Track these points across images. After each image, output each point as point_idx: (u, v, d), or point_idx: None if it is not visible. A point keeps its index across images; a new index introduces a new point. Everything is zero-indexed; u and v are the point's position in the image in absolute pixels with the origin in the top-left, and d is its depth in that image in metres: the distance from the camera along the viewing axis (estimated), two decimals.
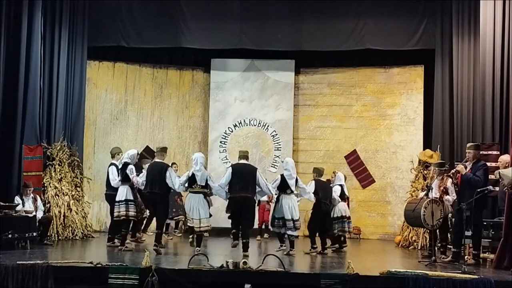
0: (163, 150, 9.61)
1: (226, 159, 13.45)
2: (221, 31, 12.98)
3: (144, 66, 13.73)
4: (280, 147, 13.57)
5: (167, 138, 13.70)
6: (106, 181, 10.21)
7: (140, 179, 9.39)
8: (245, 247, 8.85)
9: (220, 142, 13.61)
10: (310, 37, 12.93)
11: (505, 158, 9.04)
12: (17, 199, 9.90)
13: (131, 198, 9.55)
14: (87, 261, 7.28)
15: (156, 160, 9.48)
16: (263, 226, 12.18)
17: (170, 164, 10.76)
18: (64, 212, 11.09)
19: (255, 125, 13.72)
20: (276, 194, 9.50)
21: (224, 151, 13.55)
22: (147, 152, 12.97)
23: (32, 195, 10.16)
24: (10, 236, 8.87)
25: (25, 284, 6.86)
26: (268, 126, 13.67)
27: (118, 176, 9.81)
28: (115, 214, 9.62)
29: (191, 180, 8.95)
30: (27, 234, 9.22)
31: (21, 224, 9.19)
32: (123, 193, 9.56)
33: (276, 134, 13.62)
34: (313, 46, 13.06)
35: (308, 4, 12.88)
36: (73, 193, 11.46)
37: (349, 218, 10.47)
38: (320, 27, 12.89)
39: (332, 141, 13.64)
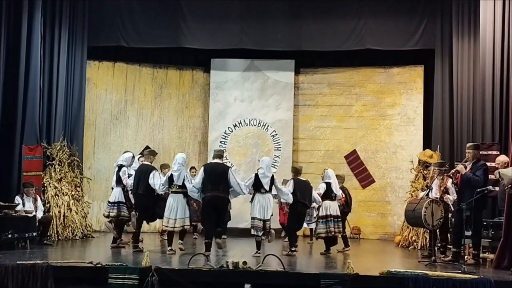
0: (151, 153, 9.85)
1: (226, 159, 13.43)
2: (221, 31, 12.98)
3: (144, 66, 13.73)
4: (280, 147, 13.57)
5: (167, 138, 13.71)
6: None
7: (129, 181, 9.61)
8: (207, 247, 8.67)
9: (220, 142, 13.61)
10: (310, 37, 12.94)
11: (502, 158, 9.06)
12: (17, 199, 9.90)
13: (123, 200, 9.68)
14: (87, 261, 7.28)
15: (144, 162, 9.70)
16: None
17: (189, 169, 10.85)
18: (64, 212, 11.09)
19: (255, 125, 13.72)
20: (251, 194, 9.32)
21: (224, 151, 13.51)
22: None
23: (32, 195, 10.17)
24: (10, 236, 8.87)
25: (25, 284, 6.86)
26: (268, 126, 13.67)
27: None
28: (105, 213, 9.83)
29: (170, 180, 9.13)
30: (27, 234, 9.23)
31: (21, 224, 9.19)
32: (116, 194, 9.73)
33: (276, 134, 13.62)
34: (313, 46, 13.06)
35: (308, 4, 12.88)
36: (73, 193, 11.47)
37: (337, 217, 9.86)
38: (320, 27, 12.89)
39: (332, 141, 13.64)
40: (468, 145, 9.06)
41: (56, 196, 11.14)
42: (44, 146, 11.22)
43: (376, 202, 13.25)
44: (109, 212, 9.74)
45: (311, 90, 13.80)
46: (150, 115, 13.66)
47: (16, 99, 10.71)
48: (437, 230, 9.27)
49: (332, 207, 9.86)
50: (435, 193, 9.14)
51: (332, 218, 9.81)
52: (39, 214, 10.15)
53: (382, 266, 7.68)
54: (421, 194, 9.93)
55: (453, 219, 9.20)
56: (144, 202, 9.39)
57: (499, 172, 8.19)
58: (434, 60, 12.44)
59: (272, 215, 9.38)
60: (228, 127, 13.68)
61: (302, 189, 9.51)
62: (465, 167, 8.68)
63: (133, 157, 10.14)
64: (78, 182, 11.74)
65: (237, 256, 8.49)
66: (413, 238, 11.27)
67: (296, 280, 7.10)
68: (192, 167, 11.78)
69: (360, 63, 13.68)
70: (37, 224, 9.76)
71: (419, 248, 10.97)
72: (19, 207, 9.61)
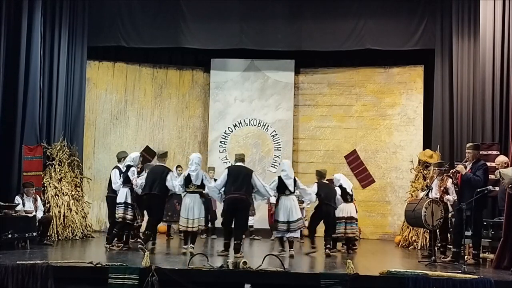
0: (164, 155, 9.78)
1: (226, 159, 13.44)
2: (221, 31, 12.98)
3: (144, 66, 13.73)
4: (280, 147, 13.57)
5: (167, 138, 13.71)
6: (108, 183, 10.23)
7: (139, 181, 9.47)
8: (237, 249, 8.80)
9: (220, 142, 13.62)
10: (310, 37, 12.93)
11: (501, 159, 9.07)
12: (17, 199, 9.90)
13: (130, 201, 9.54)
14: (87, 261, 7.29)
15: (158, 164, 9.63)
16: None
17: (176, 167, 10.82)
18: (64, 212, 11.09)
19: (255, 125, 13.72)
20: (275, 196, 9.50)
21: (224, 151, 13.55)
22: (147, 152, 12.97)
23: (32, 195, 10.17)
24: (10, 236, 8.87)
25: (25, 284, 6.86)
26: (268, 126, 13.67)
27: (120, 179, 9.79)
28: (117, 215, 9.58)
29: (187, 180, 9.09)
30: (27, 234, 9.23)
31: (21, 224, 9.19)
32: (123, 195, 9.56)
33: (276, 134, 13.62)
34: (313, 46, 13.06)
35: (308, 4, 12.88)
36: (73, 193, 11.46)
37: (350, 219, 10.10)
38: (320, 27, 12.89)
39: (332, 141, 13.64)
40: (468, 145, 9.06)
41: (56, 196, 11.14)
42: (44, 146, 11.22)
43: (376, 202, 13.25)
44: (117, 213, 9.54)
45: (311, 90, 13.81)
46: (150, 115, 13.66)
47: (16, 99, 10.71)
48: (437, 230, 9.27)
49: (345, 209, 10.07)
50: (435, 193, 9.14)
51: (345, 220, 10.05)
52: (39, 214, 10.15)
53: (382, 266, 7.68)
54: (421, 194, 9.94)
55: (453, 219, 9.20)
56: (158, 202, 9.34)
57: (499, 172, 8.19)
58: (434, 60, 12.44)
59: (300, 216, 9.48)
60: (228, 127, 13.68)
61: (326, 191, 9.73)
62: (465, 167, 8.68)
63: (141, 156, 10.09)
64: (78, 182, 11.74)
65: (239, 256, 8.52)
66: (413, 238, 11.27)
67: (296, 280, 7.10)
68: (178, 166, 11.69)
69: (360, 63, 13.67)
70: (37, 224, 9.75)
71: (419, 248, 10.97)
72: (19, 207, 9.61)
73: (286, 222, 9.21)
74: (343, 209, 10.06)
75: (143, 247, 8.86)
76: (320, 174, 10.03)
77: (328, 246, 9.60)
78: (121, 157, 10.31)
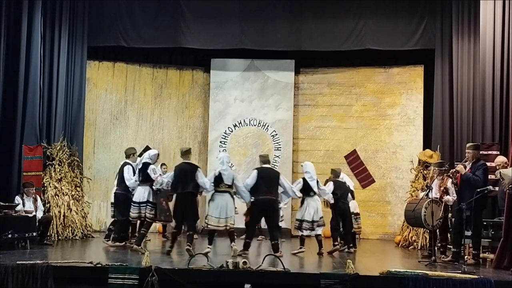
0: (188, 152, 9.56)
1: None
2: (221, 31, 12.97)
3: (144, 66, 13.72)
4: (280, 147, 13.57)
5: (167, 138, 13.71)
6: (118, 180, 10.02)
7: (165, 179, 9.29)
8: (276, 248, 9.01)
9: (220, 142, 13.61)
10: (310, 37, 12.93)
11: (500, 159, 9.07)
12: (17, 199, 9.90)
13: (152, 200, 9.35)
14: (87, 261, 7.29)
15: (185, 161, 9.39)
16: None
17: (160, 165, 10.79)
18: (64, 212, 11.09)
19: (255, 125, 13.72)
20: (300, 197, 9.75)
21: (224, 151, 13.46)
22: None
23: (32, 195, 10.17)
24: (10, 236, 8.87)
25: (25, 284, 6.86)
26: (268, 126, 13.67)
27: (134, 176, 9.68)
28: (134, 214, 9.41)
29: (218, 179, 9.11)
30: (27, 234, 9.22)
31: (21, 224, 9.18)
32: (143, 194, 9.33)
33: (276, 134, 13.62)
34: (313, 46, 13.06)
35: (308, 4, 12.87)
36: (73, 193, 11.46)
37: (357, 214, 11.00)
38: (320, 27, 12.88)
39: (332, 141, 13.64)
40: (468, 145, 9.07)
41: (56, 196, 11.14)
42: (44, 146, 11.22)
43: (376, 202, 13.25)
44: (138, 213, 9.34)
45: (311, 90, 13.81)
46: (150, 115, 13.66)
47: (16, 99, 10.71)
48: (437, 230, 9.27)
49: (352, 206, 10.68)
50: (435, 193, 9.13)
51: (354, 216, 10.81)
52: (39, 214, 10.15)
53: (382, 266, 7.68)
54: (421, 194, 9.94)
55: (453, 219, 9.20)
56: (193, 201, 9.17)
57: (500, 172, 8.19)
58: (434, 60, 12.43)
59: (322, 215, 9.76)
60: (228, 127, 13.68)
61: (342, 190, 10.12)
62: (465, 167, 8.68)
63: (158, 155, 9.87)
64: (78, 182, 11.74)
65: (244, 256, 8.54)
66: (413, 238, 11.27)
67: (296, 280, 7.10)
68: (163, 164, 11.58)
69: (360, 63, 13.67)
70: (37, 224, 9.75)
71: (419, 248, 10.97)
72: (19, 207, 9.61)
73: (311, 221, 9.53)
74: (351, 206, 10.57)
75: (189, 248, 8.70)
76: (335, 173, 10.39)
77: (351, 245, 10.07)
78: (130, 153, 10.16)
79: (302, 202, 9.70)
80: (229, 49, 13.17)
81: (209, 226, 9.13)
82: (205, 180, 9.15)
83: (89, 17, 12.50)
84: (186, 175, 9.11)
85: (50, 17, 11.55)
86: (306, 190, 9.61)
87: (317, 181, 9.73)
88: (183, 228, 9.46)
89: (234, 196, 9.31)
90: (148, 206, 9.33)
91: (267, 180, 9.22)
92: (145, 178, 9.37)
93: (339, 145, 13.57)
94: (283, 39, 12.96)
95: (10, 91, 10.63)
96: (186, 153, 9.48)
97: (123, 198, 9.79)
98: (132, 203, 9.43)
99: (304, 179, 9.67)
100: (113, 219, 10.30)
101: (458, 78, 11.66)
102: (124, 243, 9.82)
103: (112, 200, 10.37)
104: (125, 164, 9.97)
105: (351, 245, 10.15)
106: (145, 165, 9.42)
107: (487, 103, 10.47)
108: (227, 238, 9.33)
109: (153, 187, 9.38)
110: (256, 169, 9.51)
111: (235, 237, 9.32)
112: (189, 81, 13.95)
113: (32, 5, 10.94)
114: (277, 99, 13.67)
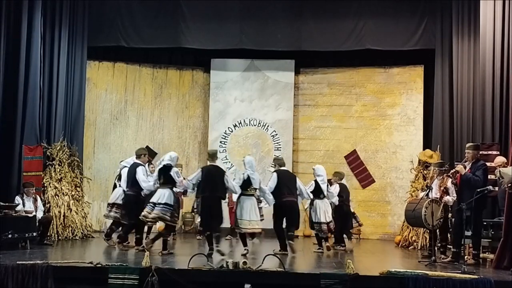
0: (216, 155, 9.50)
1: (226, 159, 13.45)
2: (221, 31, 12.98)
3: (144, 66, 13.73)
4: (280, 147, 13.58)
5: (167, 138, 13.71)
6: (129, 181, 9.63)
7: (190, 183, 9.13)
8: (293, 249, 9.26)
9: (220, 142, 13.61)
10: (310, 37, 12.93)
11: (499, 160, 9.07)
12: (17, 199, 9.90)
13: (171, 202, 9.10)
14: (87, 261, 7.28)
15: (213, 164, 9.27)
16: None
17: (147, 164, 10.54)
18: (64, 212, 11.09)
19: (255, 125, 13.73)
20: (310, 199, 9.98)
21: (224, 151, 13.55)
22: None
23: (32, 195, 10.17)
24: (10, 236, 8.87)
25: (25, 284, 6.85)
26: (268, 126, 13.67)
27: (149, 177, 9.52)
28: (152, 215, 9.10)
29: (246, 183, 9.17)
30: (27, 234, 9.22)
31: (21, 224, 9.18)
32: (165, 196, 9.05)
33: (276, 134, 13.62)
34: (313, 46, 13.06)
35: (308, 4, 12.88)
36: (73, 193, 11.47)
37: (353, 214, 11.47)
38: (320, 27, 12.89)
39: (332, 141, 13.64)
40: (467, 145, 9.05)
41: (56, 196, 11.14)
42: (44, 146, 11.22)
43: (376, 202, 13.25)
44: (157, 214, 9.04)
45: (311, 90, 13.81)
46: (150, 115, 13.67)
47: (16, 99, 10.71)
48: (437, 230, 9.27)
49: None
50: (435, 193, 9.13)
51: None
52: (39, 214, 10.15)
53: (382, 266, 7.68)
54: (421, 194, 9.94)
55: (453, 219, 9.19)
56: (220, 205, 9.08)
57: (499, 171, 8.19)
58: (434, 60, 12.44)
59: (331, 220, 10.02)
60: (228, 127, 13.68)
61: (345, 192, 10.57)
62: (465, 167, 8.67)
63: (177, 158, 9.71)
64: (78, 182, 11.74)
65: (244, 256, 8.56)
66: (413, 238, 11.26)
67: (296, 280, 7.09)
68: (150, 163, 11.44)
69: (360, 63, 13.67)
70: (37, 224, 9.75)
71: (419, 248, 10.96)
72: (19, 207, 9.61)
73: (326, 223, 9.81)
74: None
75: (221, 251, 8.71)
76: (340, 176, 10.66)
77: (343, 244, 10.34)
78: (141, 153, 9.83)
79: (312, 204, 9.91)
80: (229, 49, 13.17)
81: (242, 229, 9.12)
82: (233, 183, 9.18)
83: (89, 17, 12.50)
84: (215, 178, 9.03)
85: (50, 17, 11.55)
86: (317, 192, 9.83)
87: (327, 184, 10.04)
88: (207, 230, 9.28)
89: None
90: (163, 208, 9.05)
91: (287, 182, 9.43)
92: (166, 180, 9.12)
93: (339, 145, 13.57)
94: (283, 39, 12.96)
95: (10, 91, 10.63)
96: (213, 156, 9.41)
97: (134, 199, 9.49)
98: (149, 204, 9.12)
99: (316, 181, 9.88)
100: (113, 219, 10.14)
101: (458, 78, 11.66)
102: (128, 243, 9.80)
103: (115, 201, 10.09)
104: (137, 165, 9.63)
105: (343, 244, 10.41)
106: (167, 168, 9.16)
107: (487, 103, 10.47)
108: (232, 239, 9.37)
109: (176, 189, 9.22)
110: (275, 171, 9.62)
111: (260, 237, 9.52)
112: (189, 81, 13.95)
113: (32, 5, 10.95)
114: (277, 99, 13.67)
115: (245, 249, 9.03)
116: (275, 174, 9.51)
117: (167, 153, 13.02)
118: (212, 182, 8.97)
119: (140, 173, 9.51)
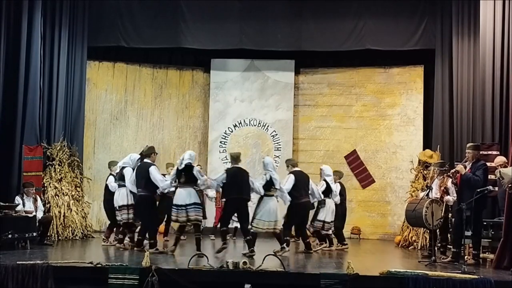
0: (239, 157, 9.41)
1: (226, 159, 13.42)
2: (221, 31, 12.98)
3: (144, 66, 13.73)
4: (280, 147, 13.58)
5: (167, 138, 13.71)
6: (141, 181, 9.15)
7: (214, 183, 9.08)
8: (309, 247, 9.64)
9: (220, 142, 13.62)
10: (310, 37, 12.94)
11: (499, 160, 9.06)
12: (17, 199, 9.90)
13: (199, 201, 9.04)
14: (87, 261, 7.28)
15: (237, 166, 9.20)
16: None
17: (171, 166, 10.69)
18: (64, 212, 11.10)
19: (255, 125, 13.73)
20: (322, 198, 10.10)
21: (224, 151, 13.55)
22: None
23: (32, 195, 10.17)
24: (10, 236, 8.86)
25: (25, 284, 6.85)
26: (268, 126, 13.68)
27: (165, 176, 9.43)
28: (181, 218, 8.88)
29: (269, 183, 9.21)
30: (27, 234, 9.21)
31: (21, 224, 9.18)
32: (188, 196, 8.85)
33: (276, 134, 13.63)
34: (313, 46, 13.07)
35: (308, 4, 12.89)
36: (73, 193, 11.47)
37: None
38: (320, 27, 12.89)
39: (332, 141, 13.64)
40: (468, 145, 9.05)
41: (56, 196, 11.15)
42: (44, 146, 11.23)
43: (376, 202, 13.26)
44: (186, 216, 8.85)
45: (311, 90, 13.81)
46: (150, 115, 13.67)
47: (16, 99, 10.71)
48: (437, 230, 9.27)
49: None
50: (435, 193, 9.13)
51: None
52: (39, 214, 10.15)
53: (382, 266, 7.67)
54: (421, 194, 9.94)
55: (453, 219, 9.20)
56: (246, 206, 9.05)
57: (499, 171, 8.18)
58: (434, 60, 12.45)
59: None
60: (228, 127, 13.68)
61: (344, 192, 10.81)
62: (465, 167, 8.67)
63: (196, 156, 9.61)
64: (78, 182, 11.75)
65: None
66: (413, 238, 11.26)
67: (296, 280, 7.09)
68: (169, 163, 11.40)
69: (360, 63, 13.67)
70: (37, 224, 9.75)
71: (419, 248, 10.96)
72: (19, 207, 9.61)
73: (331, 222, 10.06)
74: None
75: (251, 253, 8.73)
76: (339, 175, 10.73)
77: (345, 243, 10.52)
78: (150, 152, 9.43)
79: (323, 204, 10.05)
80: (229, 49, 13.18)
81: (257, 229, 9.12)
82: (258, 185, 9.21)
83: (89, 17, 12.51)
84: (241, 180, 9.02)
85: (50, 17, 11.56)
86: (327, 192, 10.04)
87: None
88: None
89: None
90: (195, 208, 8.91)
91: (303, 183, 9.55)
92: (188, 179, 8.93)
93: (339, 145, 13.58)
94: (283, 39, 12.97)
95: (10, 91, 10.63)
96: (237, 158, 9.32)
97: (149, 200, 9.21)
98: (176, 207, 8.89)
99: (326, 181, 10.06)
100: (125, 221, 9.74)
101: (458, 78, 11.66)
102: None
103: (125, 202, 9.74)
104: (149, 164, 9.20)
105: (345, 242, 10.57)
106: (189, 167, 8.96)
107: (487, 103, 10.47)
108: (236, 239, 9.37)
109: (198, 188, 9.09)
110: (291, 173, 9.68)
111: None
112: (189, 81, 13.95)
113: (32, 5, 10.95)
114: (277, 99, 13.67)
115: (250, 250, 8.85)
116: (292, 175, 9.58)
117: (166, 153, 13.23)
118: (238, 184, 8.97)
119: (156, 172, 9.15)
